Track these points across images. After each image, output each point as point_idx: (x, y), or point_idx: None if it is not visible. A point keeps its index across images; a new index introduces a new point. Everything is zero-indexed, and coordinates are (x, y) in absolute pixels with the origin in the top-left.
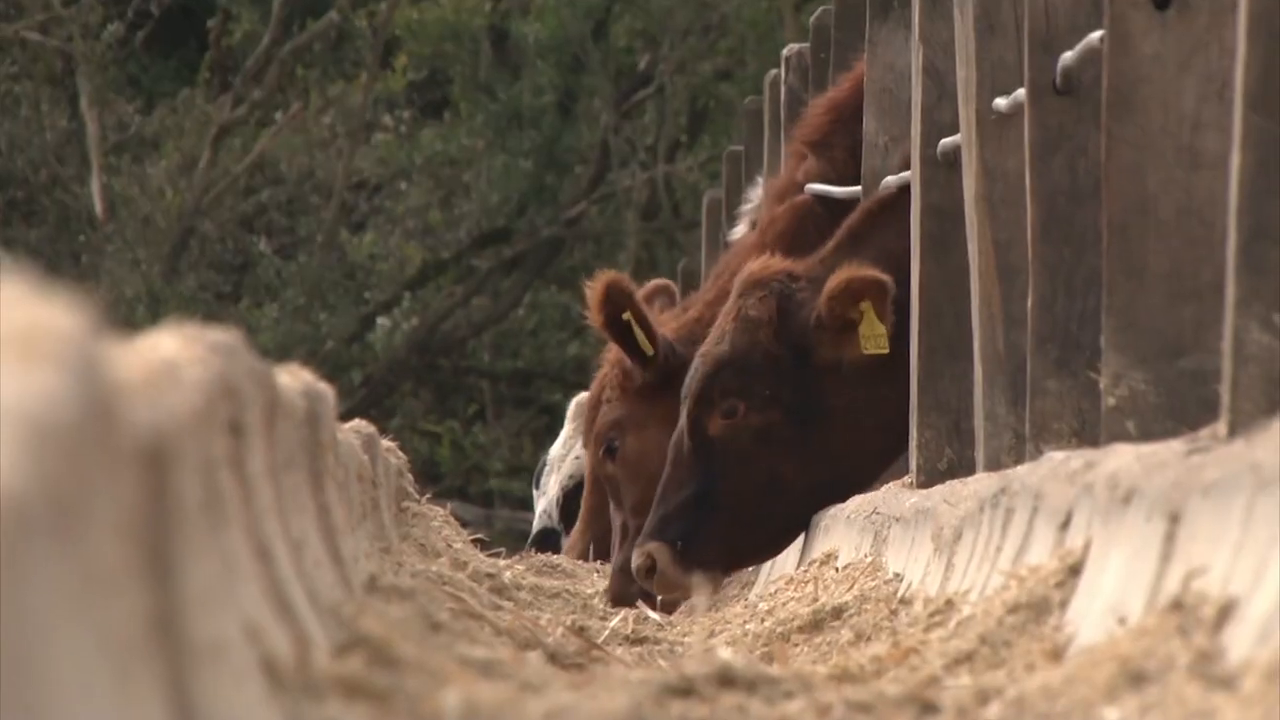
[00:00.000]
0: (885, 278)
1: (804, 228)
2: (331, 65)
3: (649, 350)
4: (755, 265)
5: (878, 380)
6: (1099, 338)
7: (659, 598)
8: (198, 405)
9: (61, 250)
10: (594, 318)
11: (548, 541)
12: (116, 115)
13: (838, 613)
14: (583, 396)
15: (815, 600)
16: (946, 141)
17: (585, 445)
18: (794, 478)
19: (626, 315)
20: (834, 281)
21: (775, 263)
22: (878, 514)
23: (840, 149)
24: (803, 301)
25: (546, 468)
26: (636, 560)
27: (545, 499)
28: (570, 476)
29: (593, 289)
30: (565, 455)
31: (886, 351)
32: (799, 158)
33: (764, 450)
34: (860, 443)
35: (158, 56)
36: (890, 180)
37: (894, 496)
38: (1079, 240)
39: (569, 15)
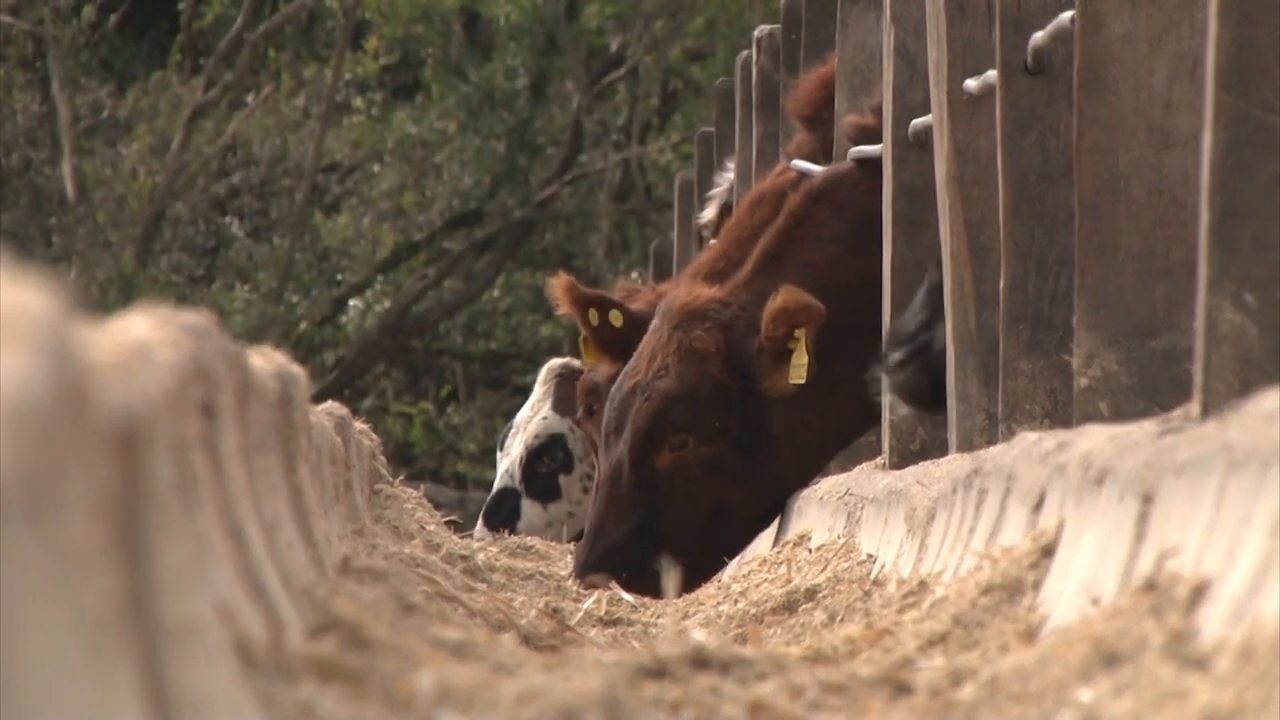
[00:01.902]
0: (818, 305)
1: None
2: (303, 48)
3: (619, 322)
4: (684, 296)
5: (815, 399)
6: (1071, 318)
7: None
8: (170, 387)
9: (34, 233)
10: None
11: (505, 500)
12: (90, 98)
13: (811, 594)
14: (555, 362)
15: (788, 582)
16: (918, 122)
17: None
18: (740, 505)
19: (592, 312)
20: (773, 307)
21: (704, 292)
22: (850, 495)
23: (830, 124)
24: (741, 329)
25: (512, 429)
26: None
27: (508, 459)
28: (536, 436)
29: (555, 293)
30: (531, 417)
31: (804, 381)
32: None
33: (712, 480)
34: (803, 463)
35: (129, 39)
36: (855, 152)
37: (867, 478)
38: (1050, 220)
39: None
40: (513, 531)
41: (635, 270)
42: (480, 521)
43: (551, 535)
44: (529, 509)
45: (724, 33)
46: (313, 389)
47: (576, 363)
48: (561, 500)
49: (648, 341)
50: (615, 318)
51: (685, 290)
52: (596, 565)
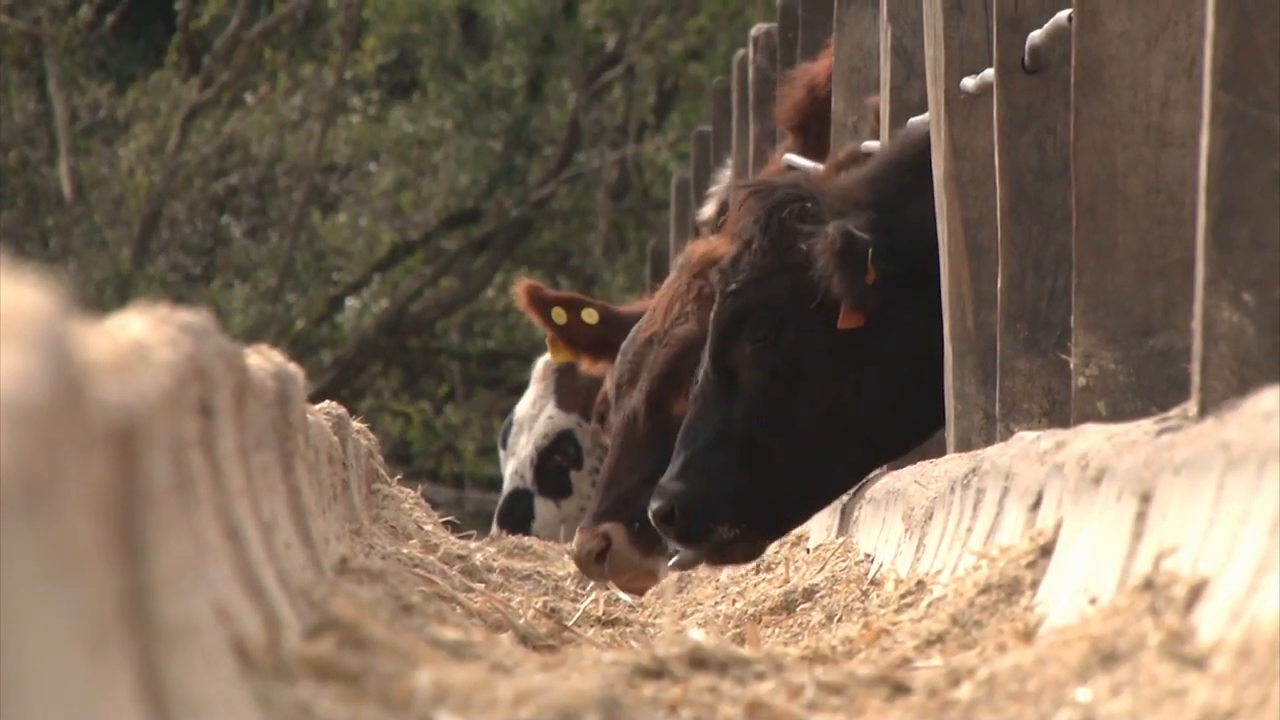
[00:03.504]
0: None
1: None
2: (300, 47)
3: (593, 320)
4: (703, 247)
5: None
6: (1069, 317)
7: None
8: (168, 386)
9: (30, 233)
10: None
11: (519, 502)
12: (89, 97)
13: (809, 594)
14: (549, 357)
15: (786, 582)
16: (915, 120)
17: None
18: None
19: (557, 311)
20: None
21: (723, 245)
22: (848, 495)
23: (820, 131)
24: None
25: (515, 427)
26: (589, 543)
27: (516, 459)
28: (544, 435)
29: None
30: (536, 415)
31: None
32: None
33: None
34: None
35: (126, 39)
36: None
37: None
38: (1048, 219)
39: None
40: (527, 533)
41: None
42: (495, 525)
43: (566, 531)
44: (542, 508)
45: (722, 30)
46: (310, 388)
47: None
48: (573, 496)
49: (663, 294)
50: (589, 315)
51: (704, 243)
52: (609, 513)
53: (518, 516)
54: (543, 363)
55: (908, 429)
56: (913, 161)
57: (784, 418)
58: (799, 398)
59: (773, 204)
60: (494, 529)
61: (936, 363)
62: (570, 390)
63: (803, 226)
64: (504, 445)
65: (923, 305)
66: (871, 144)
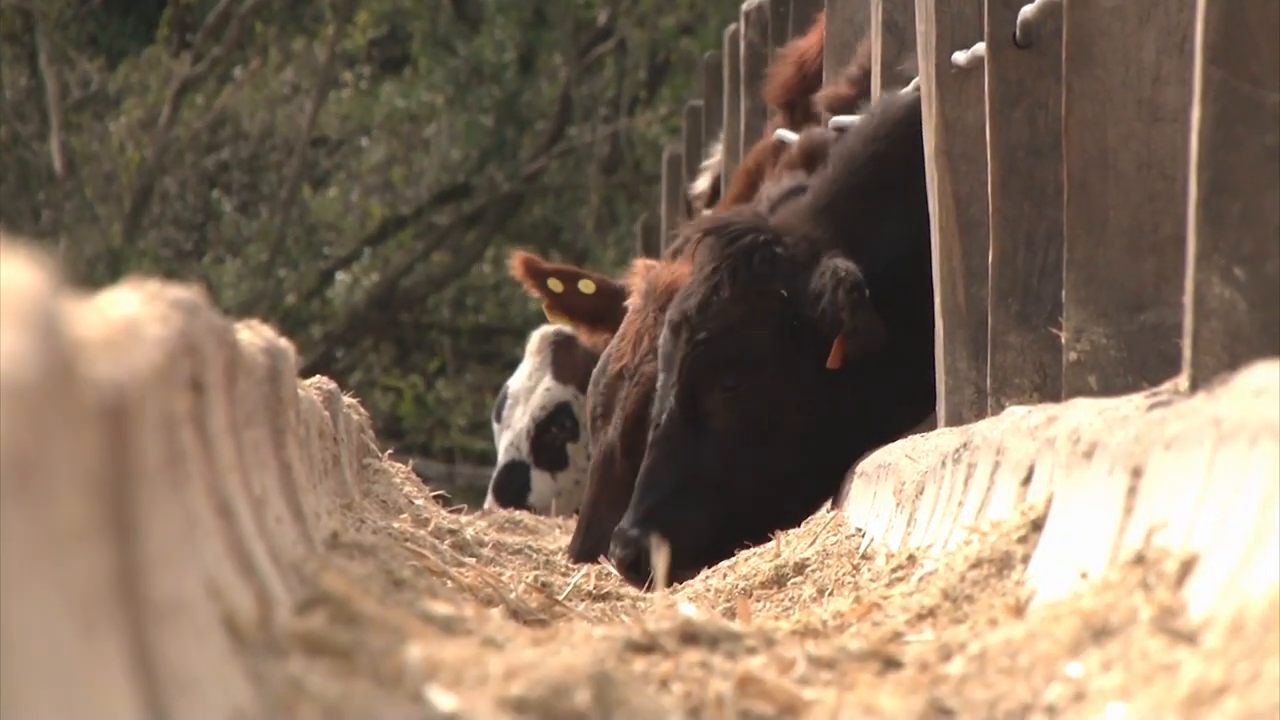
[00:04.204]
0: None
1: (764, 166)
2: (290, 21)
3: (589, 290)
4: (665, 276)
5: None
6: (1060, 292)
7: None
8: (159, 362)
9: (21, 208)
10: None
11: (514, 474)
12: (79, 72)
13: (800, 568)
14: (547, 329)
15: (777, 556)
16: (842, 121)
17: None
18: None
19: (553, 281)
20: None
21: (685, 270)
22: None
23: (802, 110)
24: None
25: (509, 400)
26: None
27: (512, 431)
28: (542, 407)
29: (514, 270)
30: (533, 388)
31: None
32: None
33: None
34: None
35: (116, 14)
36: (835, 122)
37: None
38: (1039, 194)
39: None
40: (523, 506)
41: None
42: (490, 497)
43: (560, 504)
44: (539, 480)
45: (714, 4)
46: (301, 364)
47: (569, 329)
48: (569, 468)
49: (630, 323)
50: (586, 285)
51: (666, 270)
52: (592, 554)
53: (513, 489)
54: (539, 336)
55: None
56: (863, 183)
57: (758, 464)
58: (774, 444)
59: (740, 249)
60: (489, 501)
61: (914, 388)
62: (568, 363)
63: (774, 269)
64: (498, 419)
65: (897, 330)
66: (785, 133)
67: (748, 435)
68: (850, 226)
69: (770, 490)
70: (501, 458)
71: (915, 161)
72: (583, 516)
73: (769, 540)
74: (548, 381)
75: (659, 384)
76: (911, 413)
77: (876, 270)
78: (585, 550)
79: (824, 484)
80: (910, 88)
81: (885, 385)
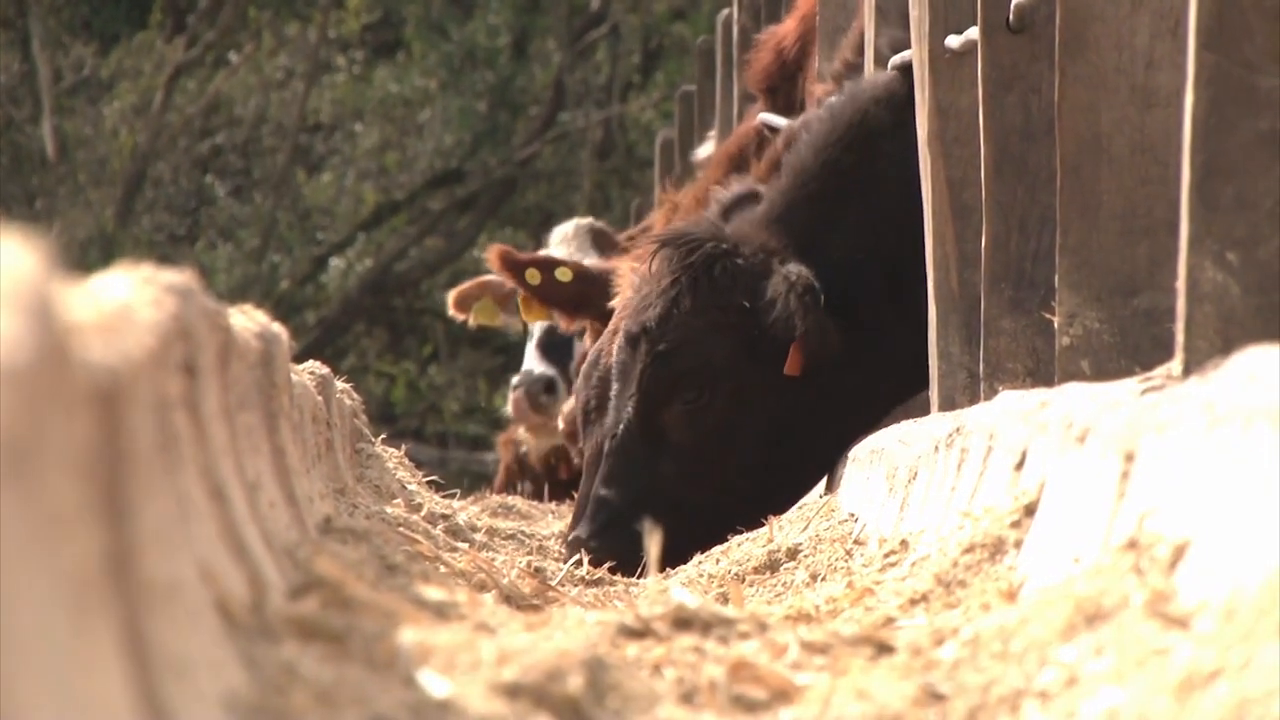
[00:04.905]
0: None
1: (746, 151)
2: (284, 6)
3: (567, 278)
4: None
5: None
6: (1053, 276)
7: None
8: (152, 347)
9: (14, 192)
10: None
11: (559, 334)
12: (73, 56)
13: (793, 553)
14: (580, 220)
15: (770, 541)
16: (792, 124)
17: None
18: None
19: (530, 272)
20: None
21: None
22: None
23: (789, 90)
24: None
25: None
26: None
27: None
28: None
29: (490, 261)
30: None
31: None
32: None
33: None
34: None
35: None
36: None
37: None
38: (1032, 179)
39: None
40: (566, 362)
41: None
42: (535, 353)
43: None
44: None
45: None
46: (294, 348)
47: (599, 223)
48: None
49: (619, 318)
50: (563, 273)
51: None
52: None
53: (560, 346)
54: (573, 227)
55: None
56: (815, 193)
57: (717, 477)
58: (735, 457)
59: (700, 260)
60: (531, 356)
61: (876, 392)
62: (607, 244)
63: (735, 280)
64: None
65: (856, 336)
66: (769, 117)
67: (707, 449)
68: (805, 236)
69: (729, 503)
70: (526, 365)
71: (869, 167)
72: (579, 504)
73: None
74: (594, 260)
75: (613, 393)
76: (876, 418)
77: (833, 278)
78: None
79: (782, 497)
80: (891, 65)
81: (846, 396)
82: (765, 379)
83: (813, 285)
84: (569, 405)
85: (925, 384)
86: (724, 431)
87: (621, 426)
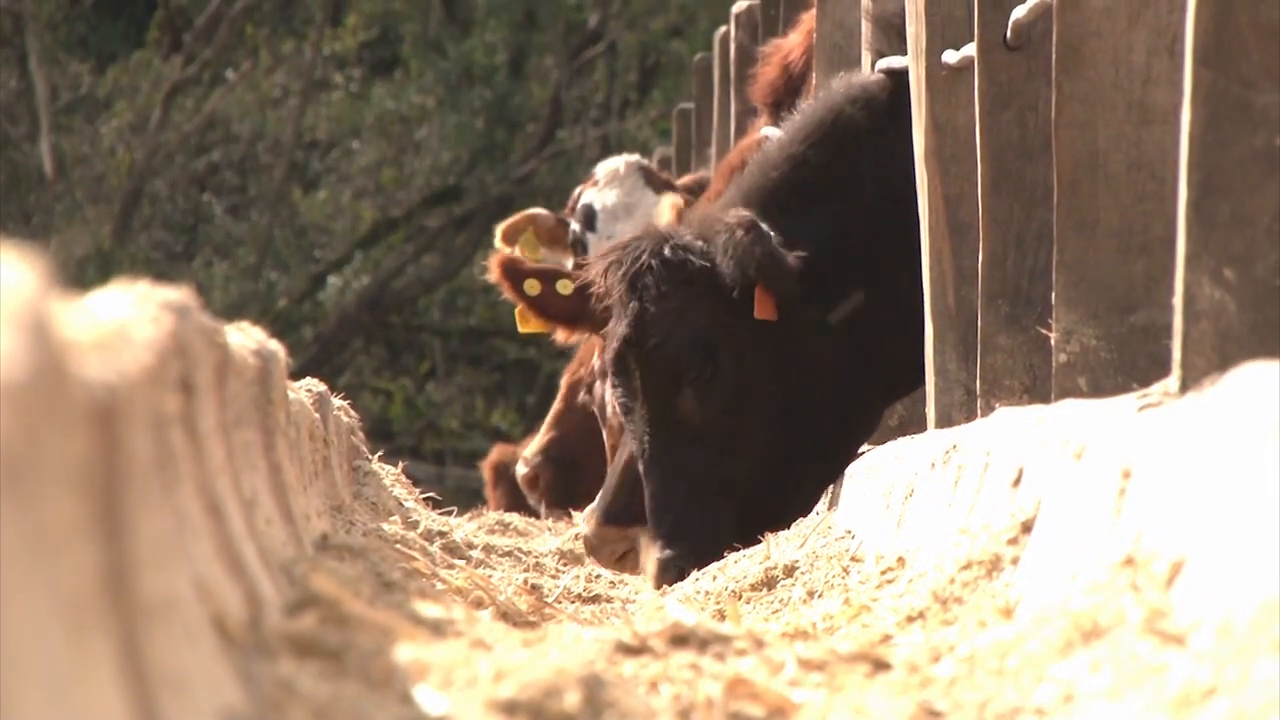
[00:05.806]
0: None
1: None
2: (281, 24)
3: (567, 291)
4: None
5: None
6: (1050, 293)
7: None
8: (149, 364)
9: (12, 210)
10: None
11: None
12: (70, 74)
13: (790, 570)
14: (614, 161)
15: (767, 558)
16: (768, 131)
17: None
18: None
19: (530, 283)
20: None
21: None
22: None
23: (789, 109)
24: None
25: (601, 214)
26: (617, 545)
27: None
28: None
29: (491, 270)
30: (634, 204)
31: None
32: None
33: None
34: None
35: (107, 16)
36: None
37: None
38: (1029, 196)
39: None
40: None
41: None
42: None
43: None
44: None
45: (704, 6)
46: (291, 365)
47: (645, 160)
48: None
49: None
50: (564, 286)
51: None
52: (620, 515)
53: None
54: (623, 163)
55: (865, 401)
56: (778, 181)
57: (750, 442)
58: (757, 419)
59: (646, 252)
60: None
61: (873, 331)
62: (656, 177)
63: (689, 251)
64: (591, 229)
65: (829, 292)
66: (773, 130)
67: (728, 420)
68: (765, 212)
69: (773, 466)
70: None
71: (840, 164)
72: (612, 477)
73: (759, 541)
74: (652, 196)
75: (627, 430)
76: (881, 387)
77: (800, 242)
78: (615, 512)
79: (821, 450)
80: (878, 69)
81: (840, 336)
82: (755, 334)
83: (755, 222)
84: (531, 448)
85: (897, 361)
86: (738, 397)
87: (645, 438)
